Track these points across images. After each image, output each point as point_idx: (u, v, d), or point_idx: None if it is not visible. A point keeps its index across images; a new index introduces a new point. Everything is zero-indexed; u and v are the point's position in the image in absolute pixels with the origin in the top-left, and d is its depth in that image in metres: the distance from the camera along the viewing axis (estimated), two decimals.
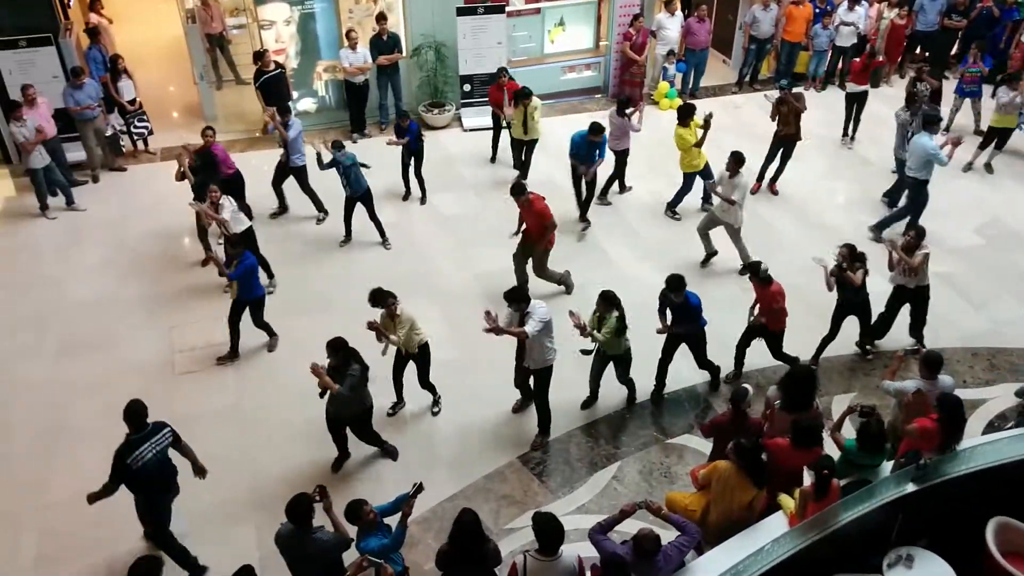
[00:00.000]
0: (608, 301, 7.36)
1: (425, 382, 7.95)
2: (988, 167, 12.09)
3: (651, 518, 5.91)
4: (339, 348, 6.88)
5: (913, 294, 8.42)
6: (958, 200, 11.32)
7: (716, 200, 9.69)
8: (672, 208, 11.03)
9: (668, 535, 5.74)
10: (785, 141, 11.03)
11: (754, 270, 7.84)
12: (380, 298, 7.41)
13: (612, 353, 7.72)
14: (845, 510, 5.71)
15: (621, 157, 11.08)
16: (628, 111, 10.72)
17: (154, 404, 6.46)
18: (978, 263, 10.07)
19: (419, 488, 5.75)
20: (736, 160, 9.29)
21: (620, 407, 8.23)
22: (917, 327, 8.72)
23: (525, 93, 11.06)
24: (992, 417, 8.00)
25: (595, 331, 7.40)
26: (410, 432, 7.82)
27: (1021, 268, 10.02)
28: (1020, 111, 11.68)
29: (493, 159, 12.38)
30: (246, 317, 8.55)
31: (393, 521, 5.71)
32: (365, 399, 7.23)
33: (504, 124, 11.82)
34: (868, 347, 8.76)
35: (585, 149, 10.26)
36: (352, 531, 5.68)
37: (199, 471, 6.65)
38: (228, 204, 8.99)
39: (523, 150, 11.49)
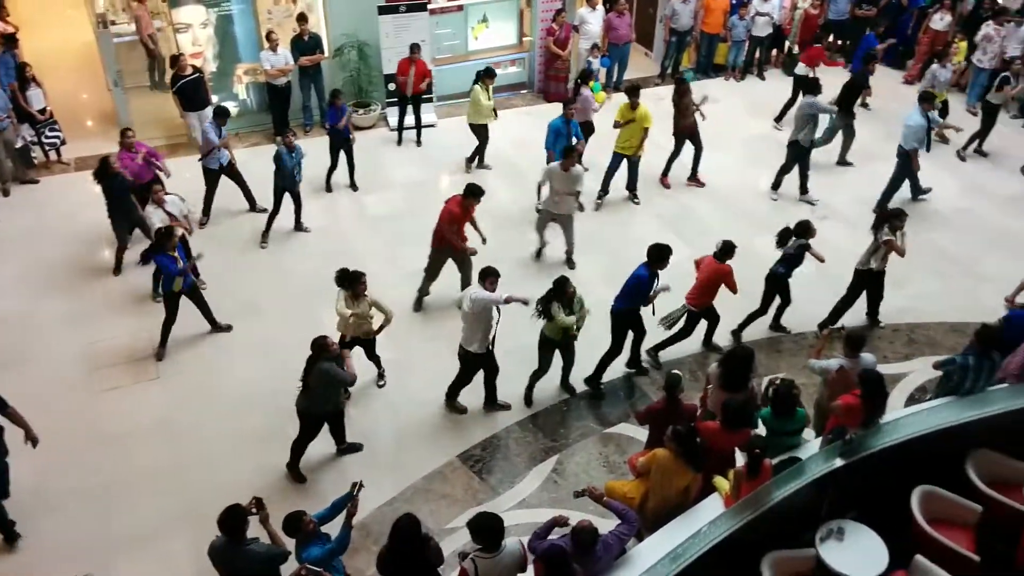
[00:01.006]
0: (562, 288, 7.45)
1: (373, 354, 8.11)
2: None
3: (592, 507, 5.97)
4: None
5: (875, 277, 8.71)
6: (877, 182, 11.68)
7: (544, 196, 9.75)
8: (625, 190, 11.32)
9: (609, 524, 5.80)
10: (688, 132, 11.21)
11: (728, 249, 7.99)
12: (353, 279, 7.48)
13: (556, 338, 7.77)
14: (777, 488, 5.85)
15: (586, 129, 11.25)
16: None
17: (79, 422, 6.30)
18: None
19: (359, 486, 5.68)
20: (570, 153, 9.42)
21: (557, 400, 8.28)
22: (875, 307, 9.04)
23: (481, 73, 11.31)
24: (913, 390, 8.30)
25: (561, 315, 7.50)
26: (347, 436, 7.70)
27: (936, 246, 10.42)
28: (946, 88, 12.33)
29: (399, 141, 12.61)
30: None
31: (332, 528, 5.63)
32: (338, 397, 7.21)
33: (408, 101, 12.18)
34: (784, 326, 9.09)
35: (565, 129, 10.40)
36: (292, 544, 5.58)
37: (30, 439, 6.53)
38: (174, 201, 8.97)
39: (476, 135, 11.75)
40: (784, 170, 11.28)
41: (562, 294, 7.46)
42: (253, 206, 10.88)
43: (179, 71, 11.15)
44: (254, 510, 5.48)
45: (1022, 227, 10.55)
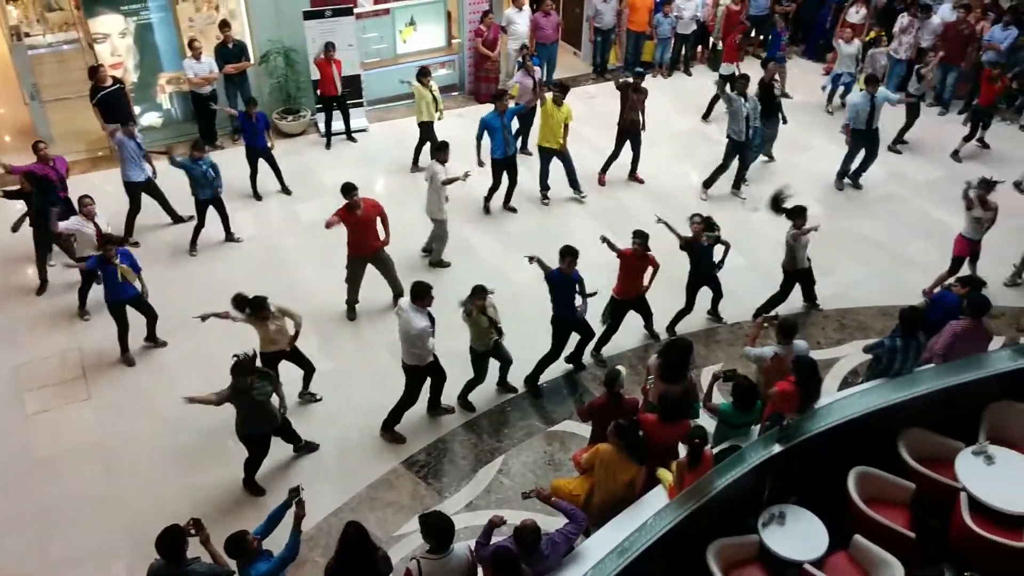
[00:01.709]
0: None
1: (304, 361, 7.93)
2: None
3: (541, 506, 5.99)
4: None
5: (808, 269, 9.01)
6: (800, 172, 11.99)
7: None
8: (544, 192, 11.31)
9: (558, 523, 5.82)
10: (631, 130, 11.30)
11: (644, 237, 8.09)
12: (256, 306, 7.32)
13: (486, 347, 7.75)
14: (719, 477, 5.94)
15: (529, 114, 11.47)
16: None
17: (9, 448, 6.07)
18: (820, 231, 10.69)
19: (296, 492, 5.58)
20: (440, 148, 9.51)
21: (500, 401, 8.27)
22: (811, 293, 9.30)
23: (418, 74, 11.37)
24: (846, 374, 8.53)
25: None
26: (288, 447, 7.57)
27: (859, 233, 10.73)
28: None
29: (328, 145, 12.52)
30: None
31: (274, 544, 5.52)
32: (274, 414, 7.07)
33: (334, 103, 12.18)
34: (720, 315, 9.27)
35: (498, 123, 10.36)
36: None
37: None
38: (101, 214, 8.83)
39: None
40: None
41: (477, 297, 7.41)
42: (176, 218, 10.64)
43: (99, 82, 10.79)
44: (192, 531, 5.34)
45: (942, 212, 10.93)
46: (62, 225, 8.75)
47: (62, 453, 7.59)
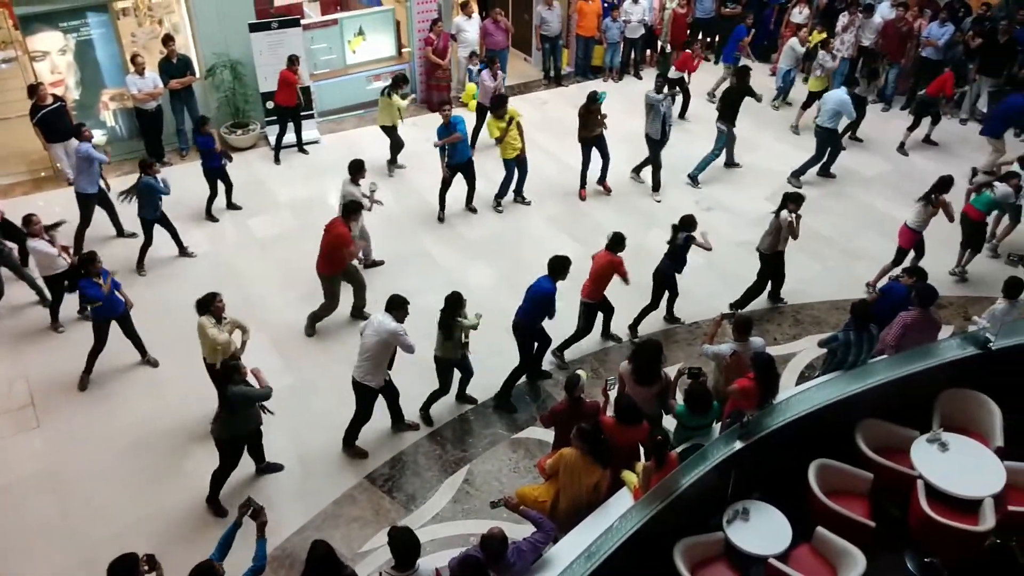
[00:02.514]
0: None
1: None
2: (795, 129, 13.36)
3: (507, 515, 5.96)
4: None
5: (779, 257, 9.17)
6: (752, 172, 12.17)
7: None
8: (498, 199, 11.29)
9: (525, 531, 5.80)
10: (596, 140, 11.30)
11: (619, 240, 8.19)
12: (207, 301, 7.32)
13: (453, 357, 7.72)
14: (683, 476, 5.97)
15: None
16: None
17: None
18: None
19: (247, 505, 5.48)
20: (356, 168, 9.57)
21: (463, 411, 8.23)
22: (779, 288, 9.47)
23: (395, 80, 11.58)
24: (803, 368, 8.66)
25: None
26: (248, 464, 7.41)
27: (810, 230, 10.81)
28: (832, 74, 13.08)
29: (276, 160, 12.44)
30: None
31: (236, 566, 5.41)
32: (258, 414, 7.00)
33: (291, 116, 12.18)
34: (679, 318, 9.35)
35: (446, 133, 10.41)
36: None
37: None
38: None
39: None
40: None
41: (460, 306, 7.43)
42: (121, 232, 10.46)
43: (39, 101, 10.55)
44: (146, 568, 5.17)
45: (886, 205, 11.18)
46: (32, 247, 8.50)
47: (12, 483, 7.35)
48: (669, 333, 9.19)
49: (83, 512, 7.14)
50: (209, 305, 7.33)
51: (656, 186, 11.63)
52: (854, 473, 6.61)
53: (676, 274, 8.82)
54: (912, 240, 9.36)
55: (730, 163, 12.39)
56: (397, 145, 12.01)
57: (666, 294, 8.98)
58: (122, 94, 12.00)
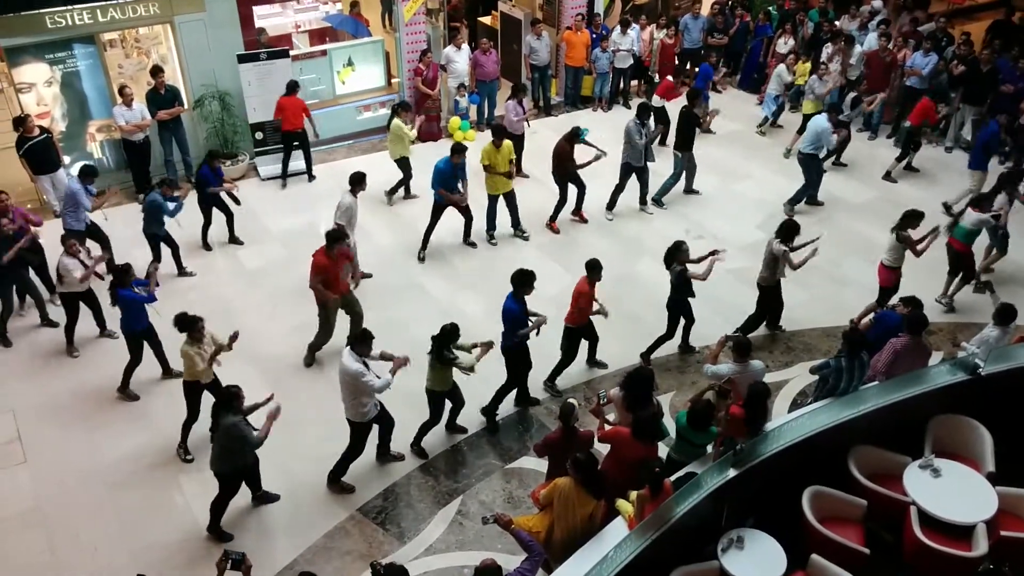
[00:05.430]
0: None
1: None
2: (787, 153, 13.40)
3: (500, 544, 5.90)
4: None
5: (777, 288, 9.20)
6: (744, 200, 12.25)
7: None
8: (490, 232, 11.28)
9: (516, 562, 5.74)
10: (569, 176, 11.28)
11: (592, 266, 8.18)
12: (190, 323, 7.32)
13: (445, 388, 7.68)
14: (677, 504, 5.95)
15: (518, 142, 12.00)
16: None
17: None
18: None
19: (224, 558, 5.37)
20: (356, 180, 9.59)
21: (455, 441, 8.18)
22: (778, 316, 9.52)
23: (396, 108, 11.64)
24: (795, 395, 8.66)
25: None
26: (239, 497, 7.33)
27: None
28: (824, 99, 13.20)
29: (284, 184, 12.53)
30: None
31: None
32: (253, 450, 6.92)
33: (293, 142, 12.25)
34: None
35: (451, 172, 10.35)
36: None
37: None
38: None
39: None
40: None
41: (455, 337, 7.40)
42: (111, 258, 10.38)
43: (26, 132, 10.56)
44: None
45: (873, 231, 11.25)
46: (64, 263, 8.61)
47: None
48: (660, 362, 9.13)
49: (71, 549, 7.03)
50: (191, 325, 7.33)
51: (611, 205, 11.79)
52: (848, 500, 6.61)
53: (688, 300, 8.77)
54: (892, 279, 9.23)
55: (689, 190, 12.46)
56: (407, 176, 12.01)
57: (682, 321, 8.96)
58: (109, 125, 11.99)
